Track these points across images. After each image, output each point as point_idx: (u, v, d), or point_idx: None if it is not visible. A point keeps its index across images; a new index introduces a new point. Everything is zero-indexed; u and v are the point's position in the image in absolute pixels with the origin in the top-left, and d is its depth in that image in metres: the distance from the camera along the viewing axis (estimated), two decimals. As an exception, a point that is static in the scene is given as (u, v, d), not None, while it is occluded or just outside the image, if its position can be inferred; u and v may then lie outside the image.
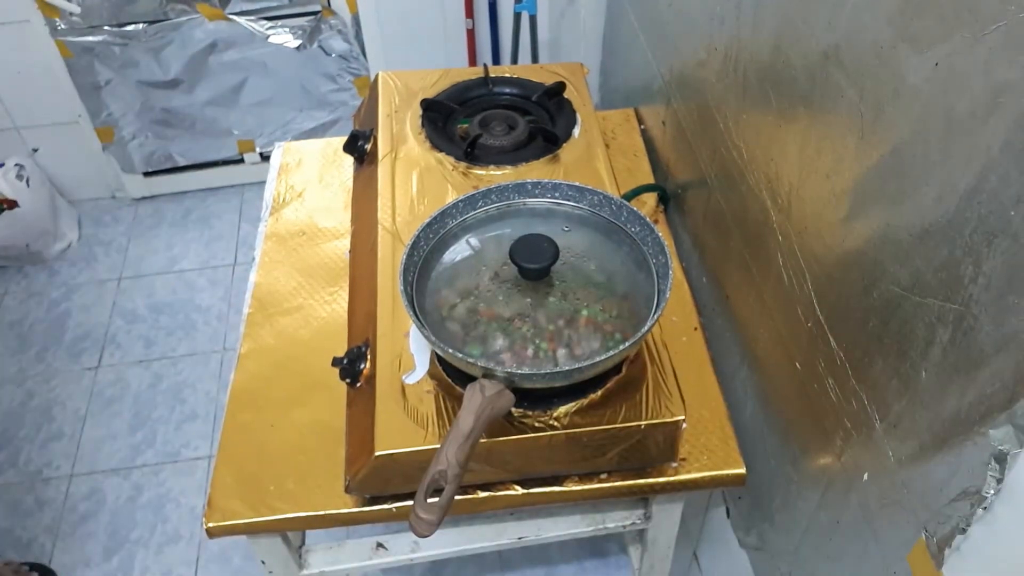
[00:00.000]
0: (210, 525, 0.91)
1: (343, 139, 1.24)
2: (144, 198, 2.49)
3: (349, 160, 1.28)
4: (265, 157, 2.43)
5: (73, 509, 1.75)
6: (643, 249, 0.91)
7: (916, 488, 0.65)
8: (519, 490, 0.92)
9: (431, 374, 0.89)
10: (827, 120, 0.73)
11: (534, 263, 0.85)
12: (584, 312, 0.89)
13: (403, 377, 0.89)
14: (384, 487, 0.89)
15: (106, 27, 2.09)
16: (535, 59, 2.12)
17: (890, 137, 0.63)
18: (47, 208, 2.27)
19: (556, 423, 0.85)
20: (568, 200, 0.97)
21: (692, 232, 1.20)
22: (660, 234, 0.88)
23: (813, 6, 0.73)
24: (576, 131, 1.21)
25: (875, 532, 0.73)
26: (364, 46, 2.21)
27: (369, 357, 0.93)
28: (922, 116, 0.58)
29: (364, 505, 0.91)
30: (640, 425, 0.86)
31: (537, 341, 0.86)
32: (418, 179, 1.11)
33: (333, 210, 1.26)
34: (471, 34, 2.18)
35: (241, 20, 2.13)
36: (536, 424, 0.85)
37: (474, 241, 0.95)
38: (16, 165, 2.21)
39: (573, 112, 1.24)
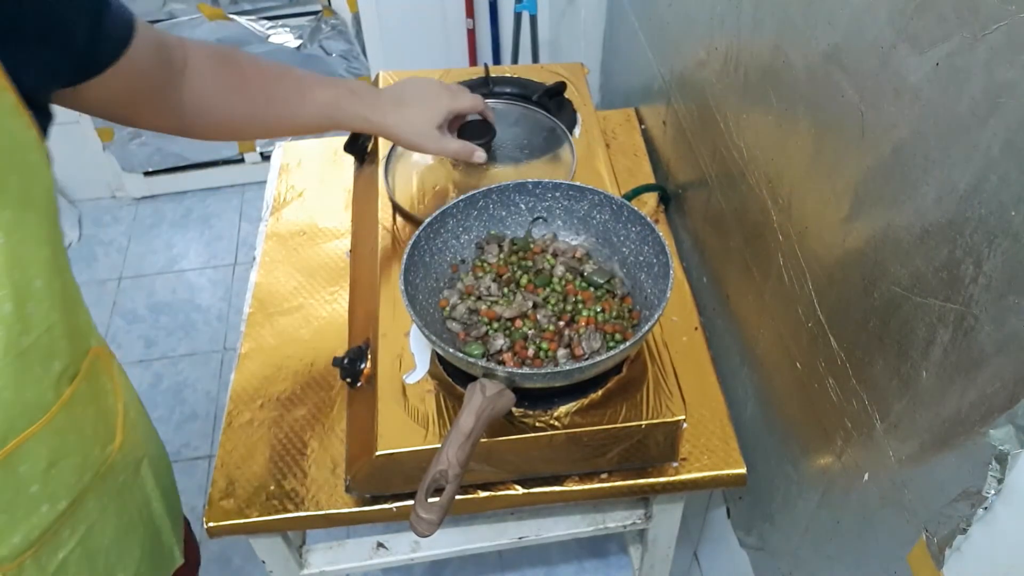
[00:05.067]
0: (210, 525, 0.91)
1: (343, 139, 1.24)
2: (144, 198, 2.49)
3: (349, 160, 1.28)
4: (265, 157, 2.43)
5: (73, 509, 1.75)
6: (644, 249, 0.91)
7: (916, 488, 0.65)
8: (519, 490, 0.92)
9: (432, 374, 0.89)
10: (827, 120, 0.73)
11: (478, 140, 1.03)
12: (584, 312, 0.89)
13: (404, 377, 0.89)
14: (385, 487, 0.89)
15: (106, 27, 2.09)
16: (535, 59, 2.12)
17: (890, 137, 0.63)
18: (47, 208, 2.27)
19: (556, 423, 0.85)
20: (569, 200, 0.97)
21: (692, 232, 1.21)
22: (660, 234, 0.88)
23: (813, 6, 0.73)
24: (577, 131, 1.21)
25: (875, 532, 0.73)
26: (364, 46, 2.22)
27: (369, 357, 0.94)
28: (922, 116, 0.58)
29: (364, 505, 0.92)
30: (640, 425, 0.86)
31: (537, 341, 0.86)
32: (418, 179, 1.11)
33: (333, 210, 1.26)
34: (471, 34, 2.18)
35: (241, 20, 2.13)
36: (537, 424, 0.85)
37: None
38: (16, 165, 2.21)
39: (574, 112, 1.24)
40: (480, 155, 1.00)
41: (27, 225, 0.60)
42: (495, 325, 0.88)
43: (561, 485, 0.93)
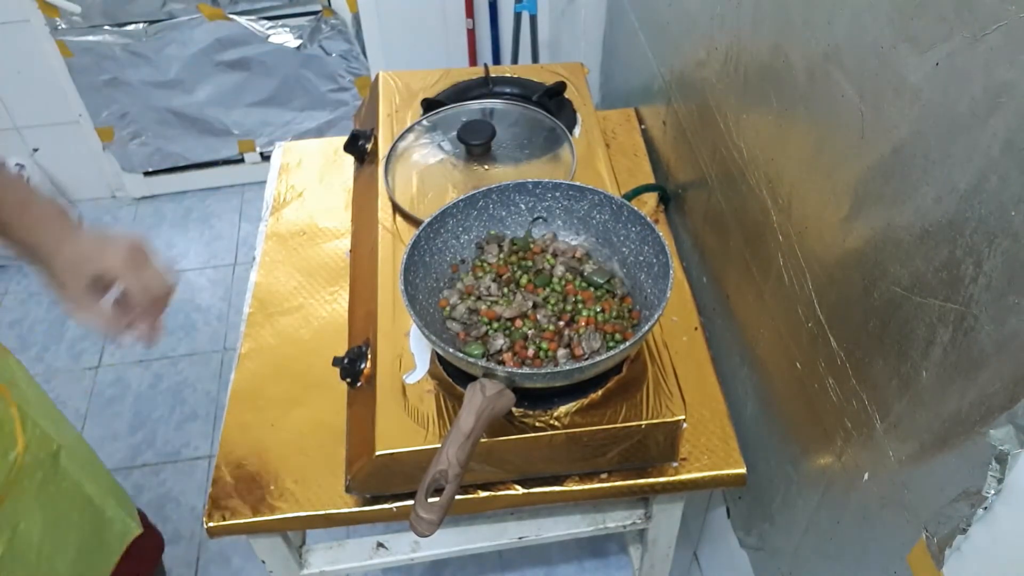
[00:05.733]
0: (210, 525, 0.91)
1: (343, 139, 1.24)
2: (144, 198, 2.49)
3: (349, 160, 1.28)
4: (265, 157, 2.43)
5: (73, 509, 1.75)
6: (644, 249, 0.91)
7: (916, 488, 0.65)
8: (519, 490, 0.92)
9: (432, 374, 0.89)
10: (827, 120, 0.73)
11: (477, 140, 1.09)
12: (584, 312, 0.89)
13: (404, 377, 0.89)
14: (384, 487, 0.89)
15: (106, 26, 2.09)
16: (535, 59, 2.12)
17: (890, 137, 0.63)
18: (47, 208, 2.26)
19: (556, 423, 0.85)
20: (569, 200, 0.97)
21: (692, 232, 1.21)
22: (660, 234, 0.88)
23: (813, 6, 0.73)
24: (577, 131, 1.21)
25: (875, 532, 0.73)
26: (364, 46, 2.21)
27: (369, 357, 0.93)
28: (922, 116, 0.58)
29: (364, 505, 0.92)
30: (640, 425, 0.86)
31: (537, 341, 0.86)
32: (418, 179, 1.11)
33: (333, 210, 1.26)
34: (471, 34, 2.18)
35: (241, 19, 2.13)
36: (536, 424, 0.85)
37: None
38: (16, 165, 2.21)
39: (574, 112, 1.24)
40: (119, 336, 0.82)
41: None
42: (495, 325, 0.88)
43: (561, 485, 0.93)
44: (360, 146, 1.23)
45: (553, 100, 1.25)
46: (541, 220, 0.98)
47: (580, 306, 0.90)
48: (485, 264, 0.95)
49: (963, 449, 0.58)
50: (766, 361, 0.97)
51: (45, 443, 0.82)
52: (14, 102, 2.20)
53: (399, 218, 1.06)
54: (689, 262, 1.22)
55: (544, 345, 0.86)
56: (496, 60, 2.24)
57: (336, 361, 0.94)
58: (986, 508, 0.56)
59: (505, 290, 0.92)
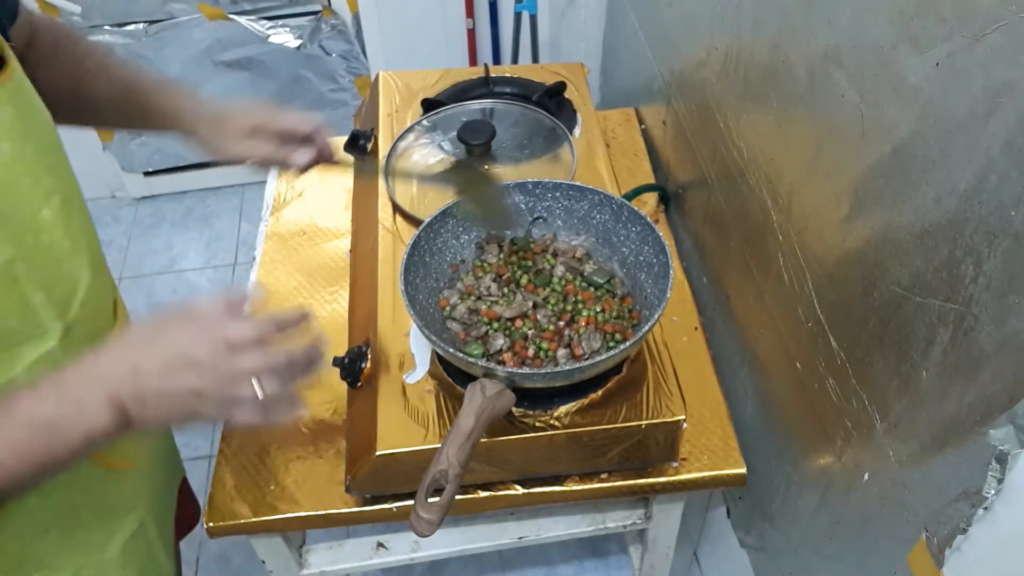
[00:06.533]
0: (210, 525, 0.91)
1: (343, 139, 1.24)
2: (144, 197, 2.49)
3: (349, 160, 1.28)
4: (266, 157, 2.43)
5: (73, 509, 1.75)
6: (644, 249, 0.91)
7: (916, 488, 0.65)
8: (519, 490, 0.92)
9: (432, 374, 0.89)
10: (827, 120, 0.73)
11: (477, 140, 1.10)
12: (584, 312, 0.89)
13: (404, 377, 0.89)
14: (385, 487, 0.89)
15: (107, 26, 2.10)
16: (535, 59, 2.11)
17: (890, 137, 0.63)
18: (47, 208, 2.27)
19: (557, 423, 0.85)
20: (569, 200, 0.97)
21: (693, 232, 1.21)
22: (660, 234, 0.88)
23: (813, 6, 0.73)
24: (577, 131, 1.21)
25: (875, 532, 0.73)
26: (364, 46, 2.21)
27: (370, 357, 0.93)
28: (922, 116, 0.58)
29: (364, 505, 0.92)
30: (641, 425, 0.86)
31: (537, 341, 0.86)
32: (419, 179, 1.11)
33: (333, 210, 1.26)
34: (471, 34, 2.18)
35: (241, 20, 2.13)
36: (537, 424, 0.85)
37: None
38: (16, 165, 2.21)
39: (574, 112, 1.24)
40: (297, 158, 0.95)
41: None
42: (495, 325, 0.88)
43: (561, 485, 0.93)
44: (360, 146, 1.22)
45: (553, 100, 1.25)
46: (541, 220, 0.98)
47: (580, 306, 0.90)
48: (485, 264, 0.95)
49: (963, 449, 0.58)
50: (766, 361, 0.97)
51: None
52: (14, 102, 2.20)
53: (399, 218, 1.06)
54: (689, 262, 1.22)
55: (544, 345, 0.86)
56: (496, 60, 2.24)
57: (336, 361, 0.94)
58: (986, 508, 0.56)
59: (505, 290, 0.92)
